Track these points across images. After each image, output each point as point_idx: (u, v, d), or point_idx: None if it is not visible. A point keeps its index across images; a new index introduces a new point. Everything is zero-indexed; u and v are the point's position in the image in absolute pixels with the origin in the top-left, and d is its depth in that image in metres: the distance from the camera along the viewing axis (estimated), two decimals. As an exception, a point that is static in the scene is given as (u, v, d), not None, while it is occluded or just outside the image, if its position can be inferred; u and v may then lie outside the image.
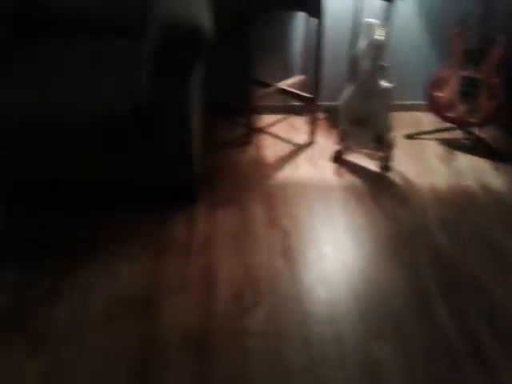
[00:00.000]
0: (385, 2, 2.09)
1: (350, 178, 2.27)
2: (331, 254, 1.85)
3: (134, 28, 2.12)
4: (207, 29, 1.63)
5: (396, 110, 2.69)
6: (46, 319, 1.56)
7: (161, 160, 1.87)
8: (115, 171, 1.88)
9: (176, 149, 1.86)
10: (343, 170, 2.33)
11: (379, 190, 2.20)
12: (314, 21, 2.31)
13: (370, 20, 2.07)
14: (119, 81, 1.79)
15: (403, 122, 2.73)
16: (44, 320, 1.55)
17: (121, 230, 1.92)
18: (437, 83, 2.43)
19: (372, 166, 2.35)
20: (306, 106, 2.74)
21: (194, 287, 1.68)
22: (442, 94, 2.42)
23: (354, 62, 2.18)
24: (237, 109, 2.66)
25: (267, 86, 2.56)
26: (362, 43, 2.11)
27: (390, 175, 2.30)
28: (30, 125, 1.71)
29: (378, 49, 2.08)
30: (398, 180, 2.27)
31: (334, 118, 2.68)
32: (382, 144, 2.23)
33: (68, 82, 1.79)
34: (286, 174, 2.30)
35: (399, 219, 2.02)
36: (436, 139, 2.59)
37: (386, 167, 2.31)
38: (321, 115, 2.68)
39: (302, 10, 2.36)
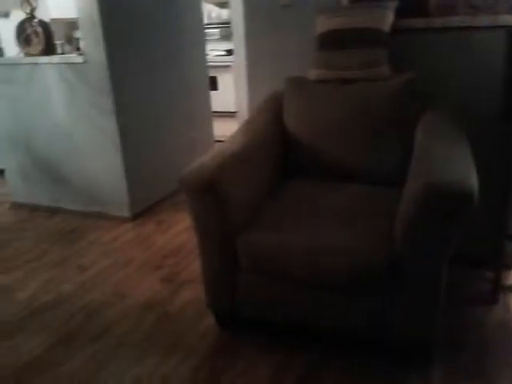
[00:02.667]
0: None
1: None
2: None
3: (389, 178, 2.19)
4: (476, 190, 1.52)
5: None
6: None
7: (404, 312, 1.76)
8: (355, 318, 1.83)
9: (422, 302, 1.74)
10: None
11: None
12: None
13: None
14: (375, 231, 1.82)
15: None
16: None
17: (345, 377, 1.84)
18: None
19: None
20: None
21: None
22: None
23: None
24: (483, 261, 2.44)
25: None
26: None
27: None
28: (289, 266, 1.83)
29: None
30: None
31: None
32: None
33: (327, 228, 1.87)
34: (543, 348, 1.95)
35: None
36: None
37: None
38: None
39: None
